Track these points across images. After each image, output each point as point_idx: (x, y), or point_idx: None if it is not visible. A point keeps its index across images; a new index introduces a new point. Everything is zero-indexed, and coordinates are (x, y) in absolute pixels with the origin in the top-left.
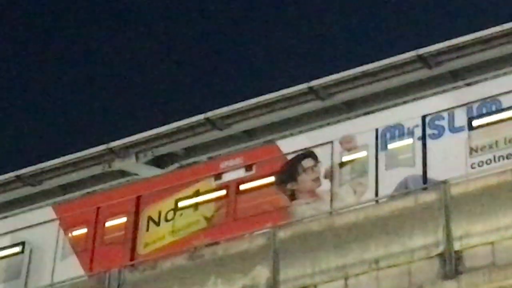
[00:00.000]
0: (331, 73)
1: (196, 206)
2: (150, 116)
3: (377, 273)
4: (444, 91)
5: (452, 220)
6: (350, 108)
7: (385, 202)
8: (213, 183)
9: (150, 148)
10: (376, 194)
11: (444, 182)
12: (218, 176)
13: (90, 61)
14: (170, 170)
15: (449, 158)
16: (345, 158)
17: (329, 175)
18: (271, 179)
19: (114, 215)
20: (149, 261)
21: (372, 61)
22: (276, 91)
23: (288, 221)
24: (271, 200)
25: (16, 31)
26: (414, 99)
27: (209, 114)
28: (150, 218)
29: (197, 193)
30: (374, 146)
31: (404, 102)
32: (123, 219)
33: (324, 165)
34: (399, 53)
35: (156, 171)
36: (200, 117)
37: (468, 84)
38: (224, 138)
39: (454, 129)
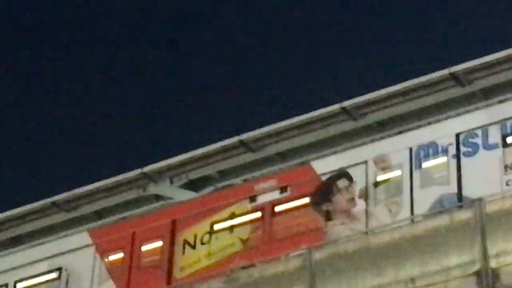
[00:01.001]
0: (363, 93)
1: (231, 228)
2: (184, 139)
3: None
4: (476, 109)
5: (488, 238)
6: (383, 127)
7: (420, 221)
8: (248, 206)
9: (184, 172)
10: (412, 213)
11: (479, 199)
12: (253, 198)
13: (124, 85)
14: (204, 193)
15: (484, 175)
16: (379, 178)
17: (364, 195)
18: (306, 200)
19: (149, 239)
20: (185, 285)
21: (404, 80)
22: (309, 112)
23: (323, 242)
24: (307, 221)
25: (47, 50)
26: (446, 118)
27: (243, 136)
28: (185, 242)
29: (232, 216)
30: (408, 165)
31: (437, 121)
32: (159, 243)
33: (359, 185)
34: (431, 71)
35: (191, 194)
36: (234, 139)
37: (501, 101)
38: (258, 160)
39: (488, 146)
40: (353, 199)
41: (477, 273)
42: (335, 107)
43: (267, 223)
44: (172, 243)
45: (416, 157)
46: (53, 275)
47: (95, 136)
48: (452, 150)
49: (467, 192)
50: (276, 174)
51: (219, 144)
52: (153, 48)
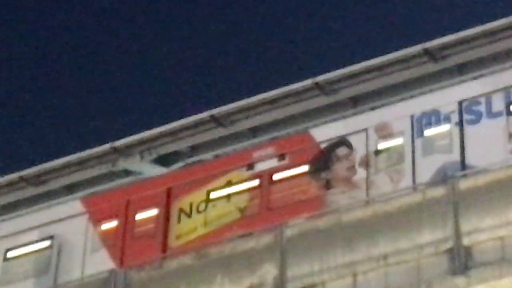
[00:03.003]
0: (336, 69)
1: (228, 197)
2: (154, 114)
3: (386, 270)
4: (473, 78)
5: (461, 215)
6: (355, 103)
7: (393, 198)
8: (245, 173)
9: (155, 147)
10: (414, 182)
11: (452, 176)
12: (250, 166)
13: (93, 59)
14: (174, 169)
15: (488, 144)
16: (380, 146)
17: (365, 163)
18: (305, 168)
19: (144, 207)
20: (155, 261)
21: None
22: (281, 87)
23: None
24: (305, 190)
25: (17, 27)
26: (449, 85)
27: (214, 111)
28: (181, 210)
29: (229, 184)
30: (410, 133)
31: (440, 88)
32: (154, 212)
33: (359, 153)
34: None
35: (161, 169)
36: (205, 114)
37: (504, 69)
38: (229, 135)
39: (492, 115)
40: (353, 167)
41: (450, 251)
42: (308, 82)
43: (265, 191)
44: (167, 211)
45: (418, 124)
46: (45, 243)
47: (65, 110)
48: (455, 117)
49: (470, 160)
50: (273, 142)
51: (190, 119)
52: (123, 20)
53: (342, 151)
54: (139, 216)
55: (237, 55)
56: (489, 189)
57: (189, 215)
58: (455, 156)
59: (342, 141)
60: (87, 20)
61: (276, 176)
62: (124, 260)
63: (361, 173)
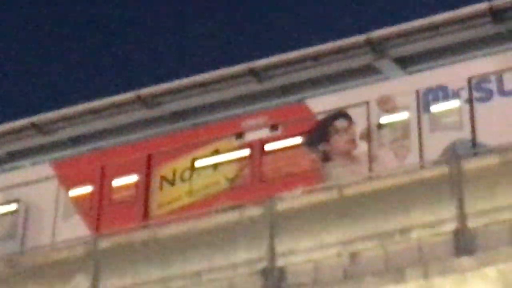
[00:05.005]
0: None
1: (215, 166)
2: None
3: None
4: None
5: (277, 236)
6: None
7: (213, 216)
8: (234, 142)
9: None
10: (420, 158)
11: (271, 198)
12: (239, 135)
13: None
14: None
15: (500, 122)
16: (383, 120)
17: (366, 137)
18: (299, 139)
19: (122, 173)
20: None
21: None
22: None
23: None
24: (301, 162)
25: None
26: (455, 61)
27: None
28: (163, 178)
29: (215, 152)
30: (415, 108)
31: (448, 64)
32: (133, 178)
33: (359, 126)
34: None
35: None
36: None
37: None
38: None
39: (503, 93)
40: (353, 140)
41: (264, 271)
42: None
43: (256, 161)
44: (148, 178)
45: (424, 100)
46: (11, 207)
47: None
48: (464, 94)
49: (482, 138)
50: (266, 111)
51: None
52: None
53: (341, 123)
54: (116, 182)
55: (175, 34)
56: (306, 211)
57: (172, 183)
58: (466, 133)
59: (341, 113)
60: None
61: (268, 147)
62: (101, 226)
63: (362, 146)
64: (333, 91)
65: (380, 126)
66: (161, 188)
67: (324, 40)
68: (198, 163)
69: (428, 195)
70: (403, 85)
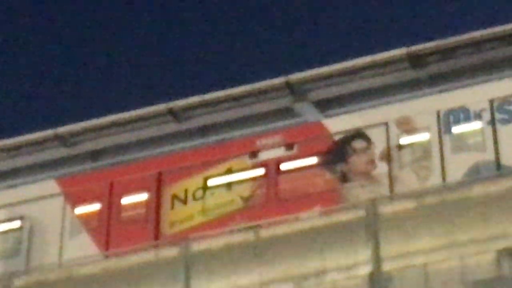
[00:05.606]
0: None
1: (229, 185)
2: None
3: None
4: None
5: (192, 277)
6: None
7: (127, 254)
8: (248, 162)
9: None
10: (443, 179)
11: (186, 240)
12: (253, 154)
13: None
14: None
15: None
16: (403, 141)
17: (386, 158)
18: (316, 159)
19: (131, 191)
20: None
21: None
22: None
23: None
24: (318, 182)
25: None
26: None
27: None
28: (175, 196)
29: (228, 171)
30: (437, 129)
31: (467, 86)
32: (143, 196)
33: (378, 147)
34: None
35: None
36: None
37: None
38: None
39: None
40: (372, 161)
41: None
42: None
43: (272, 181)
44: (158, 197)
45: (445, 121)
46: (14, 224)
47: None
48: (486, 116)
49: (505, 160)
50: (281, 131)
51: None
52: None
53: (359, 143)
54: (126, 200)
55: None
56: (221, 253)
57: (184, 202)
58: (489, 155)
59: (359, 134)
60: None
61: (284, 166)
62: (111, 244)
63: (382, 167)
64: (252, 133)
65: (400, 147)
66: (172, 206)
67: (244, 82)
68: (211, 182)
69: (344, 238)
70: (422, 106)
